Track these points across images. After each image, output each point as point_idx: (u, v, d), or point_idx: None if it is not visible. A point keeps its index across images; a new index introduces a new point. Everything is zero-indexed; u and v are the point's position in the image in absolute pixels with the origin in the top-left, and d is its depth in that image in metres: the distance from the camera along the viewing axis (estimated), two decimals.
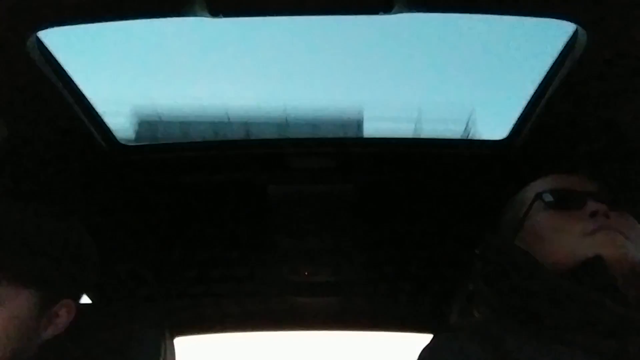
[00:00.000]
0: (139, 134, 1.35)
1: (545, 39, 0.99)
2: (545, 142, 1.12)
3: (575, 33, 0.87)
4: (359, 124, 1.34)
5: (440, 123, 1.37)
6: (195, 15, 0.82)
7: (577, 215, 0.84)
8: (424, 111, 1.42)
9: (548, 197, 0.89)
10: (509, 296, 0.80)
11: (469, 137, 1.22)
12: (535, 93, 1.05)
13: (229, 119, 1.38)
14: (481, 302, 0.85)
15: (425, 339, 0.83)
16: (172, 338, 1.21)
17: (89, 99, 1.06)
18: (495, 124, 1.23)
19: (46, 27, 0.84)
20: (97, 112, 1.09)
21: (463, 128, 1.30)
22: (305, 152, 1.24)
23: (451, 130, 1.28)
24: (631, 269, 0.78)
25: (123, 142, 1.19)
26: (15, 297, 0.80)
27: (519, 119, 1.12)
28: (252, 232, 1.49)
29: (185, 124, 1.41)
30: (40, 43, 0.89)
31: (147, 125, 1.37)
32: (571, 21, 0.83)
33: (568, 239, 0.82)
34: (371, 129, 1.36)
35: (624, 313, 0.72)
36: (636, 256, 0.78)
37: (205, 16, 0.82)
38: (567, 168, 0.95)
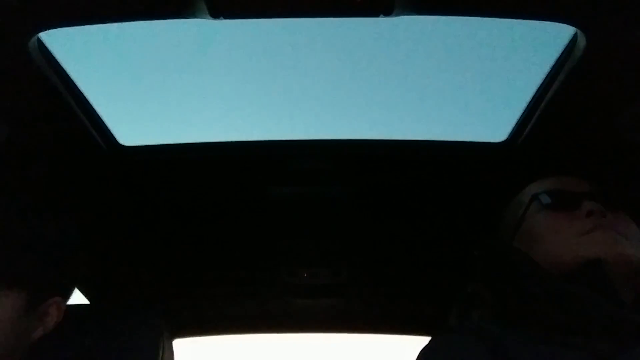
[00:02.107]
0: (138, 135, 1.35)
1: (545, 42, 0.99)
2: (545, 145, 1.13)
3: (575, 36, 0.88)
4: None
5: (441, 125, 1.37)
6: (196, 17, 0.82)
7: (573, 215, 0.84)
8: (424, 113, 1.42)
9: (544, 198, 0.90)
10: (508, 298, 0.81)
11: (469, 140, 1.22)
12: (535, 96, 1.05)
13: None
14: (480, 304, 0.86)
15: (424, 341, 0.83)
16: (170, 339, 1.21)
17: (89, 100, 1.06)
18: (495, 126, 1.23)
19: (47, 29, 0.84)
20: (97, 113, 1.09)
21: (463, 130, 1.30)
22: (304, 154, 1.24)
23: (451, 132, 1.28)
24: (628, 268, 0.78)
25: (123, 142, 1.20)
26: (1, 299, 0.79)
27: (518, 121, 1.12)
28: (251, 233, 1.49)
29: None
30: (41, 44, 0.89)
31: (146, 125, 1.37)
32: (570, 25, 0.84)
33: (565, 239, 0.83)
34: (371, 131, 1.36)
35: (622, 314, 0.72)
36: (633, 255, 0.79)
37: (206, 18, 0.82)
38: (567, 170, 0.96)
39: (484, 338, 0.75)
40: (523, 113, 1.10)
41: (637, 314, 0.73)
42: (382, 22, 0.84)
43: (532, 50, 1.14)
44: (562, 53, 0.94)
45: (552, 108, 1.02)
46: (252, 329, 1.99)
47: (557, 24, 0.84)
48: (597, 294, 0.74)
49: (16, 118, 1.01)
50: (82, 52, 1.02)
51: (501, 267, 0.85)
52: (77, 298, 0.98)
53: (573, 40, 0.89)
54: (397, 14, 0.81)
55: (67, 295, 0.92)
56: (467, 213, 1.36)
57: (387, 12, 0.81)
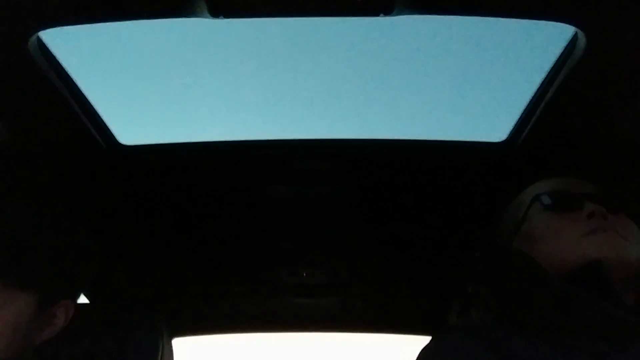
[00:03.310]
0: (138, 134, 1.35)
1: (545, 41, 1.00)
2: (545, 144, 1.13)
3: (575, 36, 0.88)
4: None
5: (441, 125, 1.37)
6: (195, 16, 0.82)
7: (574, 216, 0.84)
8: (424, 113, 1.43)
9: (545, 199, 0.89)
10: (510, 298, 0.81)
11: (469, 139, 1.22)
12: (535, 95, 1.05)
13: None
14: (481, 304, 0.86)
15: (423, 340, 0.83)
16: (170, 339, 1.21)
17: (89, 99, 1.06)
18: (495, 126, 1.23)
19: (47, 27, 0.84)
20: (97, 112, 1.09)
21: (463, 130, 1.30)
22: (304, 153, 1.24)
23: (451, 132, 1.28)
24: (629, 270, 0.78)
25: (123, 141, 1.19)
26: (12, 301, 0.79)
27: (518, 121, 1.12)
28: (251, 232, 1.49)
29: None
30: (41, 43, 0.89)
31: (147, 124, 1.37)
32: (570, 24, 0.84)
33: (565, 240, 0.83)
34: (371, 130, 1.36)
35: (623, 316, 0.72)
36: (634, 257, 0.79)
37: (206, 17, 0.82)
38: (567, 170, 0.96)
39: (484, 338, 0.75)
40: (523, 113, 1.10)
41: (637, 316, 0.73)
42: (382, 21, 0.84)
43: (532, 50, 1.14)
44: (562, 53, 0.94)
45: (552, 108, 1.02)
46: (252, 328, 1.99)
47: (557, 23, 0.84)
48: (598, 296, 0.74)
49: (16, 117, 1.01)
50: (82, 51, 1.02)
51: (502, 267, 0.85)
52: None
53: (573, 40, 0.89)
54: (398, 14, 0.81)
55: (76, 298, 0.93)
56: (466, 213, 1.36)
57: (388, 11, 0.81)
